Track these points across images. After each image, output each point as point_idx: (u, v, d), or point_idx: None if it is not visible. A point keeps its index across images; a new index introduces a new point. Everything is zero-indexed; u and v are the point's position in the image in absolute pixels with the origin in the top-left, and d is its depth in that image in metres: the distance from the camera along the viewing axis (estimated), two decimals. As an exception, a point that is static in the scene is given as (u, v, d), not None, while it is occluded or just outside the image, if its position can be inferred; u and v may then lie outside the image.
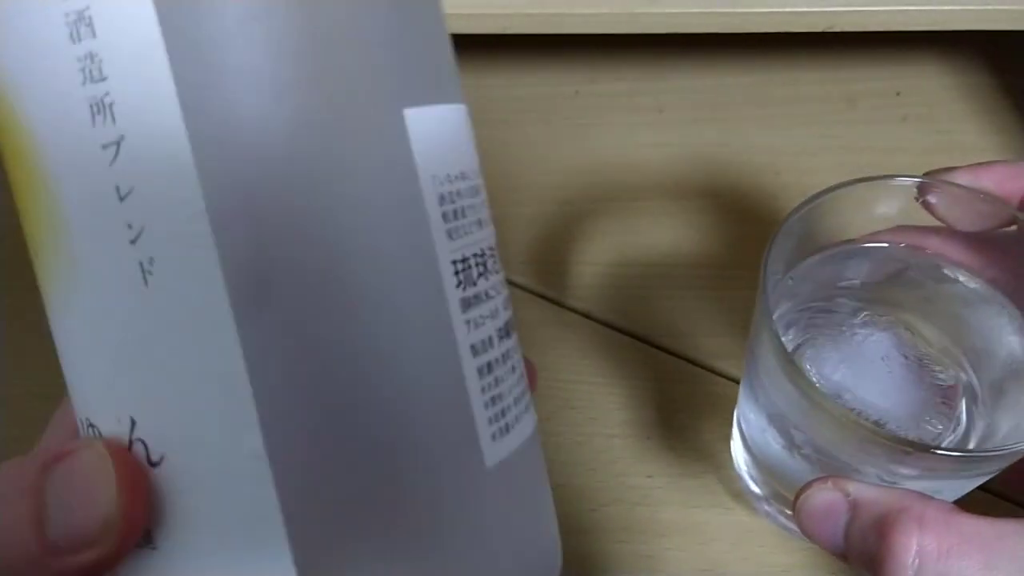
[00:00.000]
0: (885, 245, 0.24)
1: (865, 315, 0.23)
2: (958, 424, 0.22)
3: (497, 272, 0.14)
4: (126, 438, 0.12)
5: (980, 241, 0.23)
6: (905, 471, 0.19)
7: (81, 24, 0.10)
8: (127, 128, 0.11)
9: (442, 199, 0.12)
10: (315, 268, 0.11)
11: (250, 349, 0.11)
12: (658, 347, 0.32)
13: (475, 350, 0.13)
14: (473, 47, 0.42)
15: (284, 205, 0.11)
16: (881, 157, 0.38)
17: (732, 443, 0.27)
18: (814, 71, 0.41)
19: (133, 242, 0.11)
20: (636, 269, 0.34)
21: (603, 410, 0.30)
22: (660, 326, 0.32)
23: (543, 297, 0.34)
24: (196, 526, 0.11)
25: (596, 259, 0.35)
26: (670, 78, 0.41)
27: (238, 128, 0.10)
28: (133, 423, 0.11)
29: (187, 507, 0.11)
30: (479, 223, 0.13)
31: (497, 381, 0.13)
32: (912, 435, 0.22)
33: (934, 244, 0.23)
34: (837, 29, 0.34)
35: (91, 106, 0.11)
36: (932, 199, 0.22)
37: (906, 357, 0.23)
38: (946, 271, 0.23)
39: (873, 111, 0.40)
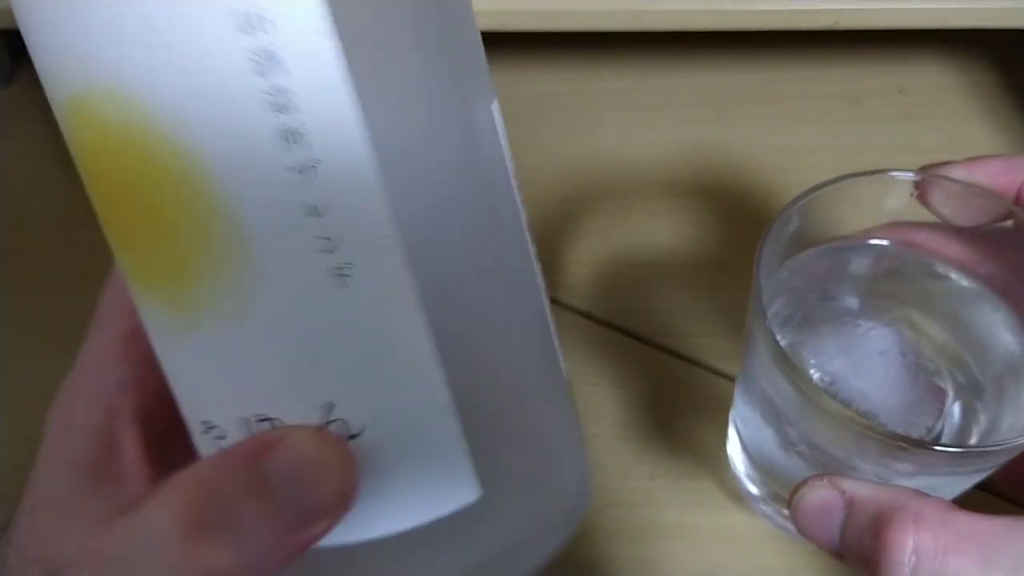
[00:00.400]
0: (881, 242, 0.23)
1: (869, 310, 0.23)
2: (948, 421, 0.22)
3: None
4: (322, 421, 0.13)
5: (975, 236, 0.22)
6: (900, 467, 0.19)
7: (268, 61, 0.12)
8: (320, 153, 0.12)
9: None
10: (469, 258, 0.14)
11: (430, 331, 0.13)
12: (659, 347, 0.32)
13: (544, 293, 0.17)
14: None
15: (447, 210, 0.14)
16: (884, 155, 0.38)
17: (728, 443, 0.27)
18: (817, 69, 0.41)
19: (330, 252, 0.12)
20: (637, 268, 0.34)
21: (604, 411, 0.30)
22: (661, 326, 0.32)
23: (544, 297, 0.33)
24: (392, 478, 0.14)
25: (596, 258, 0.34)
26: (672, 76, 0.41)
27: (413, 145, 0.13)
28: (331, 407, 0.13)
29: (384, 464, 0.14)
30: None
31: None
32: (901, 430, 0.22)
33: (928, 240, 0.23)
34: (841, 27, 0.34)
35: (277, 134, 0.12)
36: (927, 194, 0.22)
37: (903, 355, 0.23)
38: (939, 268, 0.23)
39: (876, 109, 0.40)
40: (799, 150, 0.38)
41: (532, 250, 0.17)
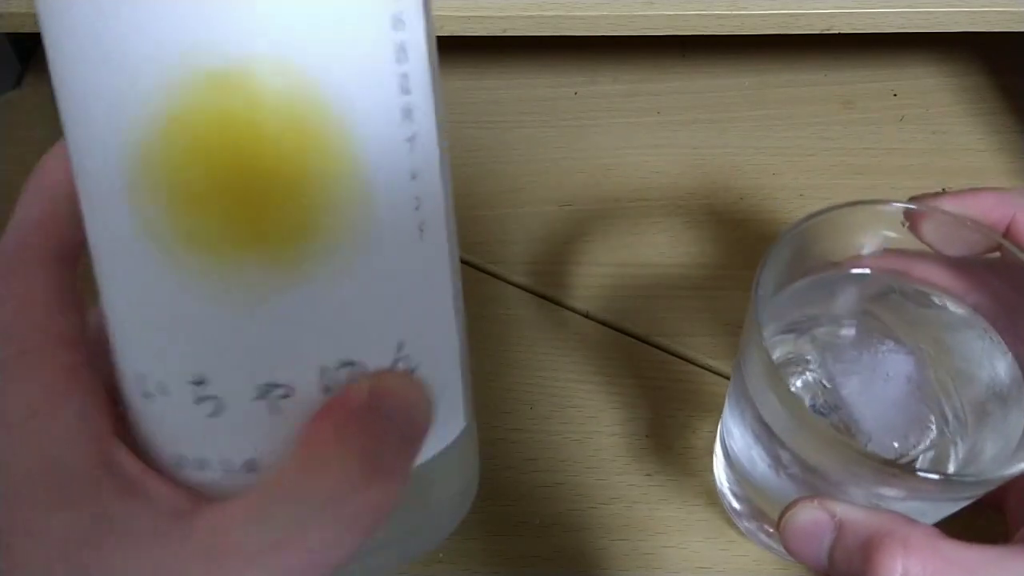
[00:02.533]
0: (867, 271, 0.24)
1: (875, 334, 0.23)
2: (935, 446, 0.22)
3: None
4: (395, 358, 0.15)
5: (965, 266, 0.23)
6: (890, 492, 0.19)
7: (402, 52, 0.14)
8: (419, 128, 0.15)
9: None
10: (448, 219, 0.17)
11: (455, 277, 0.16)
12: (657, 347, 0.32)
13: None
14: (473, 48, 0.42)
15: (443, 175, 0.16)
16: (878, 158, 0.38)
17: (714, 459, 0.27)
18: (811, 73, 0.42)
19: (416, 209, 0.15)
20: (635, 269, 0.34)
21: (603, 409, 0.30)
22: (659, 326, 0.33)
23: (543, 297, 0.34)
24: (438, 408, 0.16)
25: (595, 259, 0.35)
26: (668, 80, 0.42)
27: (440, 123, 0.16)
28: (402, 345, 0.15)
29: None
30: None
31: None
32: (895, 454, 0.22)
33: (921, 269, 0.23)
34: (834, 31, 0.35)
35: (402, 111, 0.15)
36: (919, 224, 0.22)
37: (908, 379, 0.23)
38: (930, 296, 0.24)
39: (870, 112, 0.40)
40: (794, 152, 0.38)
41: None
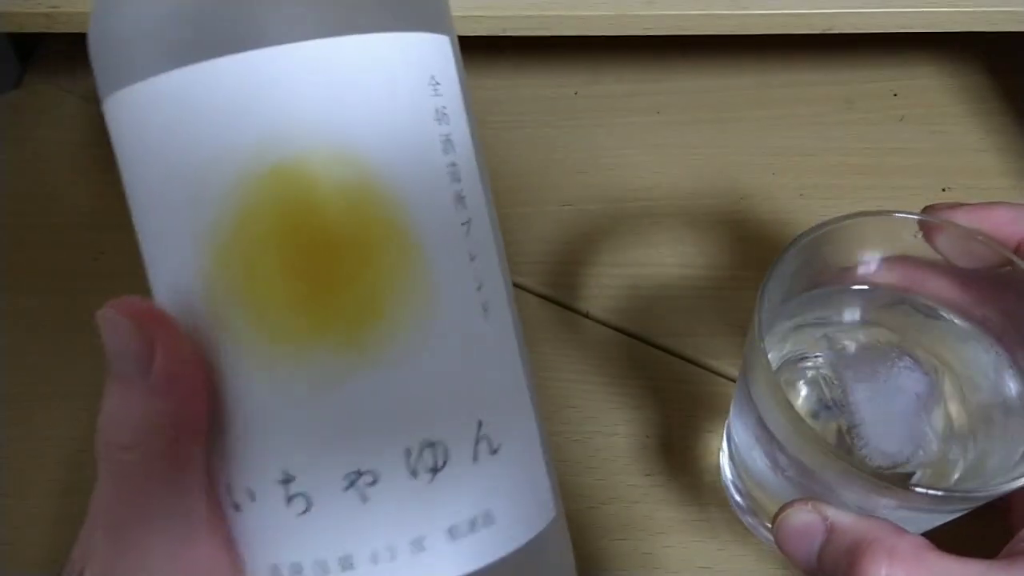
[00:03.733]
0: (876, 284, 0.24)
1: (906, 354, 0.23)
2: (936, 464, 0.22)
3: None
4: (476, 438, 0.15)
5: (975, 280, 0.23)
6: (883, 502, 0.20)
7: (448, 143, 0.15)
8: (472, 214, 0.16)
9: None
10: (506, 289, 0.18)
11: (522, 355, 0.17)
12: (657, 347, 0.32)
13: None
14: (473, 48, 0.42)
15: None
16: (878, 158, 0.38)
17: (721, 454, 0.28)
18: (812, 72, 0.42)
19: (479, 289, 0.16)
20: (636, 269, 0.34)
21: (602, 409, 0.30)
22: (659, 326, 0.33)
23: (543, 297, 0.34)
24: (517, 492, 0.16)
25: (596, 259, 0.35)
26: (669, 80, 0.42)
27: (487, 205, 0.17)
28: (480, 424, 0.15)
29: (511, 482, 0.16)
30: None
31: None
32: (890, 462, 0.22)
33: (929, 279, 0.24)
34: (835, 31, 0.35)
35: (454, 198, 0.15)
36: (931, 235, 0.22)
37: (917, 396, 0.23)
38: (938, 308, 0.24)
39: (871, 112, 0.40)
40: (794, 152, 0.38)
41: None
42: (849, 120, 0.40)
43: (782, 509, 0.19)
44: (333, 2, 0.14)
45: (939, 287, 0.24)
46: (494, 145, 0.39)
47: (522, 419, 0.16)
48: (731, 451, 0.26)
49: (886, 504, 0.20)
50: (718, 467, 0.29)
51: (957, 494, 0.20)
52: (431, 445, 0.15)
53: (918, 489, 0.19)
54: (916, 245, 0.23)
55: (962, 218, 0.22)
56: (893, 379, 0.23)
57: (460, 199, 0.15)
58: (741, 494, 0.26)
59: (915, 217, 0.22)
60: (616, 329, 0.33)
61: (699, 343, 0.32)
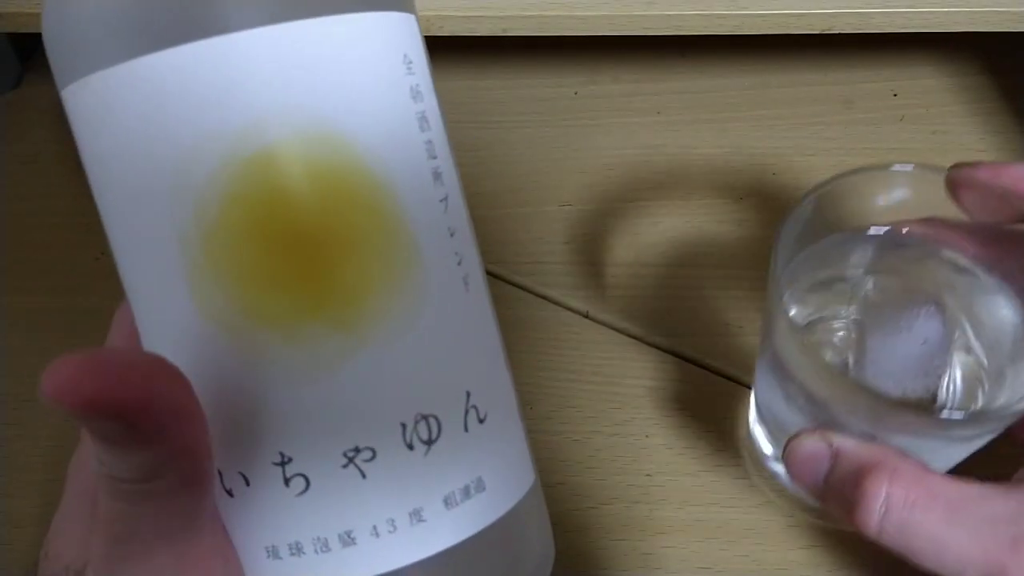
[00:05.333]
0: (901, 231, 0.25)
1: (931, 303, 0.24)
2: (950, 395, 0.24)
3: None
4: (466, 408, 0.15)
5: (997, 237, 0.24)
6: (885, 425, 0.21)
7: (423, 120, 0.16)
8: (448, 189, 0.16)
9: None
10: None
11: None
12: (657, 347, 0.32)
13: None
14: (473, 48, 0.42)
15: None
16: (878, 157, 0.38)
17: (749, 409, 0.28)
18: (811, 73, 0.42)
19: (459, 264, 0.16)
20: (635, 269, 0.34)
21: (602, 409, 0.31)
22: (659, 326, 0.33)
23: (543, 297, 0.34)
24: (503, 458, 0.16)
25: (595, 259, 0.35)
26: (668, 80, 0.42)
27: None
28: (469, 394, 0.16)
29: (497, 448, 0.16)
30: None
31: None
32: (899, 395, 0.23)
33: (956, 236, 0.25)
34: (835, 31, 0.35)
35: (432, 174, 0.16)
36: (954, 189, 0.23)
37: (926, 340, 0.24)
38: (963, 262, 0.25)
39: (870, 112, 0.40)
40: (794, 152, 0.38)
41: None
42: (849, 120, 0.40)
43: (791, 438, 0.20)
44: None
45: (962, 242, 0.24)
46: (494, 145, 0.39)
47: (503, 387, 0.17)
48: (756, 401, 0.27)
49: (887, 427, 0.20)
50: (721, 463, 0.29)
51: (953, 418, 0.20)
52: (425, 418, 0.15)
53: (944, 415, 0.20)
54: (929, 200, 0.24)
55: (984, 175, 0.22)
56: (908, 322, 0.24)
57: (438, 175, 0.16)
58: (766, 440, 0.27)
59: (933, 169, 0.23)
60: (616, 329, 0.33)
61: (699, 343, 0.32)
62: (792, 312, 0.21)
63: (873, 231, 0.25)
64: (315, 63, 0.14)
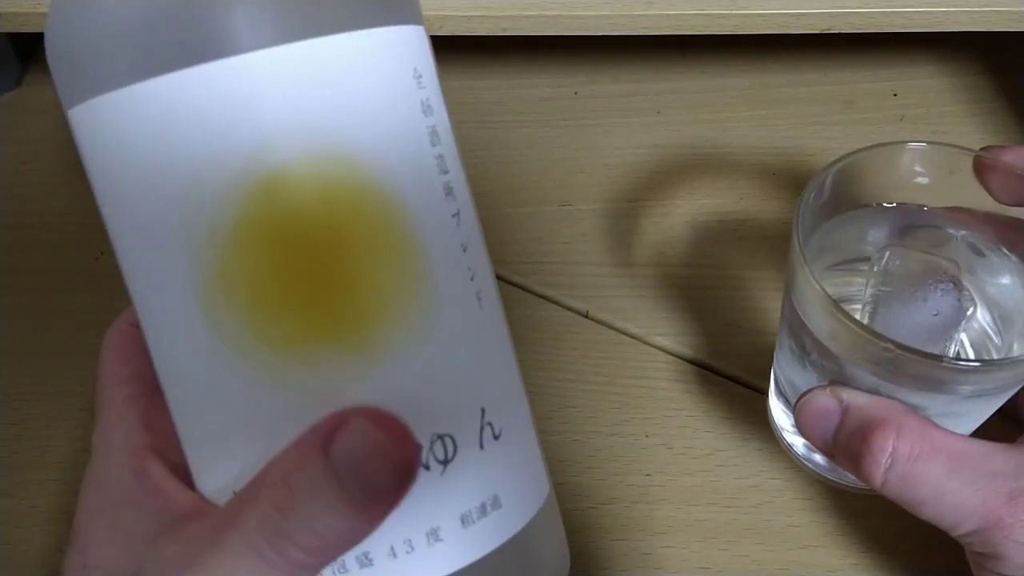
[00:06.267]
0: (932, 208, 0.26)
1: (949, 280, 0.25)
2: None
3: None
4: (480, 426, 0.15)
5: (1016, 222, 0.24)
6: (895, 376, 0.21)
7: (435, 135, 0.15)
8: (460, 204, 0.16)
9: None
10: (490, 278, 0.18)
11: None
12: (657, 347, 0.32)
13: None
14: (472, 48, 0.42)
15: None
16: (878, 158, 0.38)
17: (770, 385, 0.29)
18: (811, 72, 0.42)
19: (472, 279, 0.16)
20: (635, 269, 0.34)
21: (602, 409, 0.30)
22: (658, 325, 0.33)
23: (543, 297, 0.34)
24: (519, 474, 0.16)
25: (596, 259, 0.35)
26: (668, 80, 0.42)
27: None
28: (483, 412, 0.15)
29: (513, 465, 0.16)
30: None
31: None
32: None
33: (975, 220, 0.25)
34: (835, 31, 0.35)
35: (444, 189, 0.15)
36: (980, 170, 0.24)
37: (936, 314, 0.24)
38: (986, 244, 0.25)
39: (870, 112, 0.40)
40: (794, 152, 0.38)
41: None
42: (849, 120, 0.40)
43: (802, 395, 0.21)
44: (316, 2, 0.14)
45: (982, 226, 0.25)
46: (494, 145, 0.39)
47: (517, 402, 0.17)
48: (775, 373, 0.27)
49: (895, 376, 0.21)
50: (722, 463, 0.29)
51: (951, 364, 0.21)
52: (441, 437, 0.15)
53: (957, 361, 0.20)
54: (947, 179, 0.24)
55: (1009, 157, 0.23)
56: (924, 293, 0.24)
57: (450, 190, 0.15)
58: (785, 412, 0.27)
59: (957, 148, 0.24)
60: (616, 329, 0.33)
61: (699, 343, 0.32)
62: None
63: (894, 207, 0.26)
64: (324, 83, 0.14)
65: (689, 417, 0.30)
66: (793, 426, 0.28)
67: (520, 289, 0.34)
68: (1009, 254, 0.25)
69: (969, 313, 0.24)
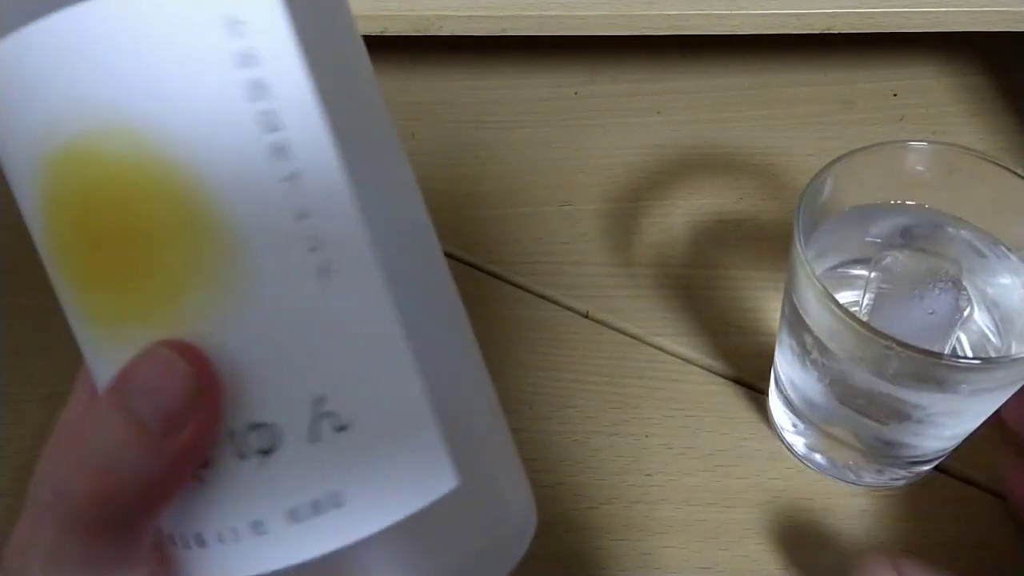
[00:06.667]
0: (922, 205, 0.26)
1: (949, 280, 0.25)
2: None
3: None
4: (315, 413, 0.14)
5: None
6: (892, 374, 0.21)
7: (258, 89, 0.14)
8: (303, 162, 0.14)
9: None
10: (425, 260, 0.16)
11: (401, 322, 0.15)
12: (656, 346, 0.32)
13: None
14: (473, 48, 0.42)
15: (403, 206, 0.16)
16: (878, 158, 0.38)
17: (770, 385, 0.29)
18: (811, 73, 0.42)
19: (312, 250, 0.14)
20: (635, 269, 0.34)
21: (602, 409, 0.30)
22: (658, 325, 0.33)
23: (543, 297, 0.34)
24: (381, 467, 0.14)
25: (596, 259, 0.35)
26: (668, 80, 0.42)
27: (372, 152, 0.15)
28: (323, 399, 0.14)
29: (367, 459, 0.14)
30: None
31: None
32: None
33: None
34: (835, 31, 0.35)
35: (271, 150, 0.14)
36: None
37: (931, 313, 0.24)
38: (983, 246, 0.25)
39: (870, 112, 0.40)
40: (794, 153, 0.38)
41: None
42: (849, 120, 0.40)
43: (863, 559, 0.22)
44: None
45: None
46: (494, 145, 0.39)
47: (391, 389, 0.15)
48: (776, 372, 0.27)
49: (894, 373, 0.21)
50: (722, 463, 0.29)
51: (952, 362, 0.21)
52: (256, 427, 0.14)
53: (959, 360, 0.21)
54: (940, 178, 0.25)
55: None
56: (922, 291, 0.24)
57: (280, 150, 0.14)
58: (785, 409, 0.27)
59: (969, 152, 0.24)
60: (616, 329, 0.33)
61: (699, 343, 0.32)
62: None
63: (894, 207, 0.26)
64: (102, 50, 0.13)
65: (689, 417, 0.30)
66: (794, 426, 0.28)
67: (520, 289, 0.34)
68: (1009, 254, 0.25)
69: (966, 313, 0.24)
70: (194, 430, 0.13)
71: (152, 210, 0.13)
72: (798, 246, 0.23)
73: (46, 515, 0.14)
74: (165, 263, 0.14)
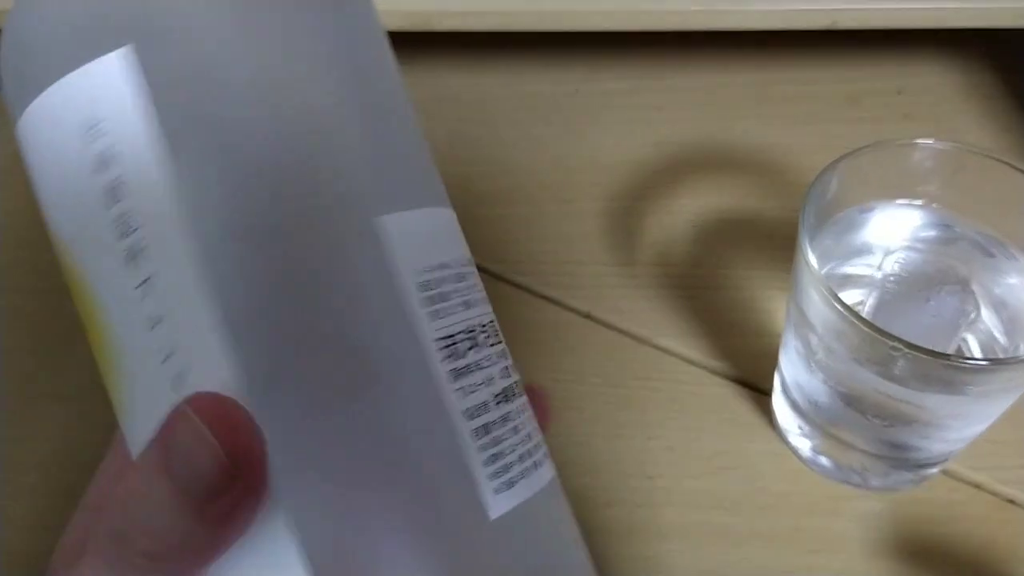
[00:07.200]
0: (929, 204, 0.26)
1: (956, 283, 0.25)
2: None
3: (492, 344, 0.16)
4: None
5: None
6: (899, 376, 0.21)
7: (112, 191, 0.14)
8: (158, 265, 0.13)
9: (423, 286, 0.15)
10: (317, 353, 0.14)
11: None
12: (658, 347, 0.32)
13: (469, 414, 0.15)
14: (473, 45, 0.42)
15: (278, 306, 0.13)
16: (883, 156, 0.38)
17: (774, 386, 0.29)
18: (815, 70, 0.41)
19: (164, 361, 0.13)
20: (636, 268, 0.34)
21: (603, 411, 0.30)
22: (660, 326, 0.32)
23: (543, 297, 0.34)
24: None
25: (596, 259, 0.35)
26: (670, 76, 0.41)
27: (247, 263, 0.13)
28: None
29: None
30: (465, 304, 0.16)
31: (496, 441, 0.15)
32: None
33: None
34: (839, 27, 0.34)
35: (126, 256, 0.13)
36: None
37: (935, 316, 0.24)
38: (990, 247, 0.25)
39: (875, 109, 0.40)
40: (798, 150, 0.38)
41: (443, 365, 0.15)
42: (853, 118, 0.39)
43: None
44: None
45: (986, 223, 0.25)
46: (494, 144, 0.39)
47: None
48: (782, 374, 0.27)
49: (908, 379, 0.21)
50: (725, 466, 0.29)
51: (955, 362, 0.21)
52: None
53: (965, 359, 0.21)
54: (952, 177, 0.24)
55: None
56: (928, 293, 0.24)
57: (133, 256, 0.13)
58: (789, 409, 0.27)
59: (975, 151, 0.24)
60: (617, 330, 0.32)
61: (700, 344, 0.32)
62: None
63: (900, 206, 0.26)
64: (28, 149, 0.14)
65: (692, 419, 0.30)
66: (799, 428, 0.27)
67: (520, 289, 0.34)
68: (1017, 254, 0.25)
69: (972, 316, 0.24)
70: (234, 496, 0.13)
71: (77, 299, 0.15)
72: (803, 245, 0.22)
73: (102, 553, 0.14)
74: (96, 348, 0.15)
